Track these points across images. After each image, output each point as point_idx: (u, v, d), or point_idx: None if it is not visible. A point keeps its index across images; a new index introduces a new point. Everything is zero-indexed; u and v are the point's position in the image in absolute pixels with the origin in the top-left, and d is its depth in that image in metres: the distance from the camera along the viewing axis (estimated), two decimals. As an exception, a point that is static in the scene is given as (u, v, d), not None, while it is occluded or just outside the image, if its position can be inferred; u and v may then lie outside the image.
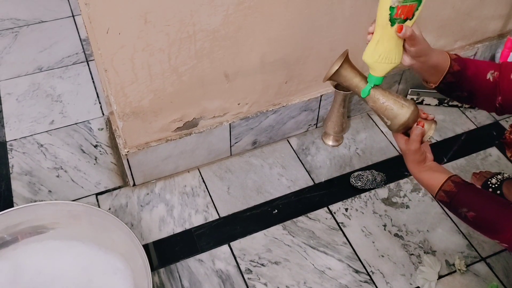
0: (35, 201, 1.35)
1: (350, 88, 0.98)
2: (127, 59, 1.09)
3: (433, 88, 0.99)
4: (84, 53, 1.83)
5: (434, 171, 0.96)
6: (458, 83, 0.96)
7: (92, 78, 1.73)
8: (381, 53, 0.89)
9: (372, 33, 0.90)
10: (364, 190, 1.40)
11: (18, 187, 1.39)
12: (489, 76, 0.95)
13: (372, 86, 0.95)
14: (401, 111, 0.93)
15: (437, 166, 0.97)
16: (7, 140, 1.52)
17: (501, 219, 0.88)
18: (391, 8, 0.83)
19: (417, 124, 0.94)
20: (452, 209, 0.94)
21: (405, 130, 0.95)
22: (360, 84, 0.96)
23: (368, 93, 0.96)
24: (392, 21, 0.85)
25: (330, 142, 1.52)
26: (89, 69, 1.77)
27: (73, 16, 1.99)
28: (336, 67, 0.95)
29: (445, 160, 1.48)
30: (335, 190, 1.40)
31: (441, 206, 1.36)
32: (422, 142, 0.95)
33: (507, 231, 0.86)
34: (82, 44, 1.87)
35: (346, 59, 0.96)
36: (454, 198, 0.92)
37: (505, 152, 1.10)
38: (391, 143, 1.53)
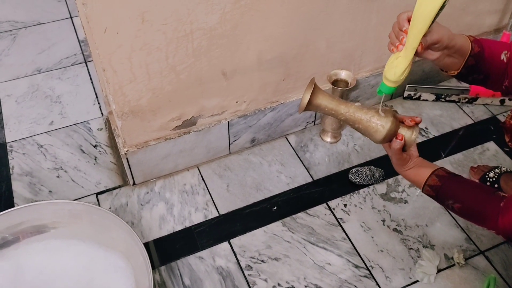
0: (36, 202, 1.35)
1: (328, 114, 0.98)
2: (125, 58, 1.10)
3: (454, 75, 0.95)
4: (83, 54, 1.84)
5: (419, 167, 0.98)
6: (478, 66, 0.94)
7: (91, 79, 1.74)
8: (407, 70, 0.89)
9: (397, 49, 0.88)
10: (362, 186, 1.41)
11: (18, 187, 1.40)
12: (503, 56, 0.94)
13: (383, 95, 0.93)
14: (380, 125, 0.93)
15: (422, 162, 0.99)
16: (7, 141, 1.53)
17: (486, 207, 0.90)
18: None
19: (396, 138, 0.94)
20: (439, 201, 0.97)
21: (389, 140, 0.95)
22: (339, 107, 0.95)
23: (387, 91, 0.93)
24: None
25: (328, 139, 1.53)
26: (88, 70, 1.78)
27: (71, 17, 2.00)
28: (306, 100, 0.94)
29: (443, 155, 1.48)
30: (334, 186, 1.41)
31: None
32: (406, 148, 0.96)
33: (492, 218, 0.88)
34: (80, 45, 1.88)
35: (315, 88, 0.95)
36: (439, 191, 0.94)
37: (504, 138, 1.10)
38: (389, 139, 1.53)
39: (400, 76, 0.89)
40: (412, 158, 0.98)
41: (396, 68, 0.88)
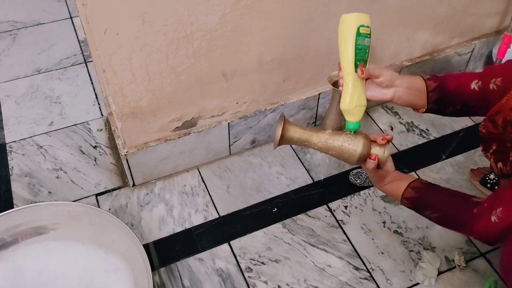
0: (35, 203, 1.35)
1: (302, 145, 1.02)
2: (125, 59, 1.09)
3: (424, 111, 1.02)
4: (83, 55, 1.83)
5: (396, 181, 1.01)
6: (445, 99, 1.01)
7: (91, 79, 1.74)
8: (356, 97, 0.94)
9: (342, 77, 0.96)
10: (363, 188, 1.40)
11: (18, 188, 1.40)
12: (473, 86, 0.99)
13: (353, 132, 0.98)
14: (352, 149, 0.96)
15: (398, 175, 1.02)
16: (6, 142, 1.53)
17: (460, 215, 0.92)
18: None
19: (369, 158, 0.97)
20: (419, 213, 0.99)
21: (364, 161, 0.99)
22: (311, 138, 0.98)
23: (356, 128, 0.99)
24: (356, 66, 0.93)
25: (329, 140, 1.52)
26: (88, 70, 1.77)
27: (71, 17, 2.00)
28: (279, 135, 0.97)
29: (444, 157, 1.48)
30: (334, 188, 1.41)
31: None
32: (380, 165, 0.99)
33: (467, 225, 0.90)
34: (80, 45, 1.87)
35: (285, 123, 0.98)
36: (417, 203, 0.97)
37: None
38: (390, 141, 1.53)
39: (350, 104, 0.95)
40: (389, 174, 1.01)
41: (342, 97, 0.95)
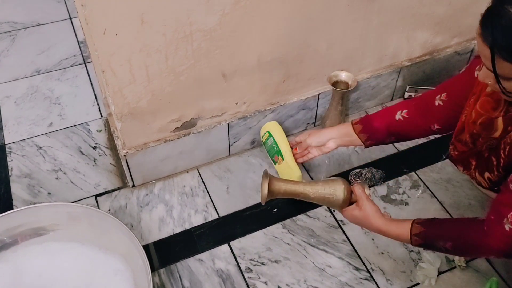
0: (35, 203, 1.35)
1: (289, 197, 1.12)
2: (125, 60, 1.09)
3: (366, 147, 1.19)
4: (82, 55, 1.83)
5: (395, 221, 1.04)
6: (375, 135, 1.15)
7: (90, 80, 1.74)
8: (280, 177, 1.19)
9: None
10: (363, 188, 1.40)
11: (17, 189, 1.39)
12: (398, 117, 1.12)
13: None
14: (335, 193, 1.07)
15: (388, 217, 1.07)
16: (6, 143, 1.53)
17: (475, 236, 0.91)
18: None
19: (352, 192, 1.09)
20: (430, 247, 0.99)
21: (348, 203, 1.09)
22: (297, 189, 1.10)
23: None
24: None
25: (329, 140, 1.52)
26: (87, 71, 1.77)
27: (70, 18, 2.00)
28: (265, 191, 1.07)
29: (444, 157, 1.48)
30: (334, 188, 1.40)
31: (441, 204, 1.36)
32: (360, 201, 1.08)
33: (486, 244, 0.88)
34: (79, 46, 1.87)
35: (270, 179, 1.09)
36: (427, 237, 0.97)
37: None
38: (390, 141, 1.53)
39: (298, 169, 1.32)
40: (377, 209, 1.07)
41: (296, 168, 1.32)
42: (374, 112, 1.21)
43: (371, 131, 1.15)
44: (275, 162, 1.38)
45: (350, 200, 1.09)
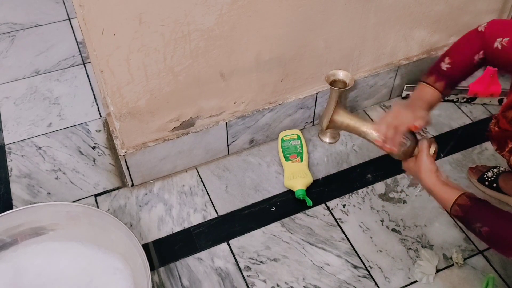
0: (34, 203, 1.35)
1: (353, 132, 1.07)
2: (123, 59, 1.10)
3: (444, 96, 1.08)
4: (81, 56, 1.84)
5: (448, 185, 0.97)
6: (456, 83, 1.05)
7: (89, 80, 1.74)
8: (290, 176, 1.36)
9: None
10: (363, 185, 1.40)
11: (17, 189, 1.40)
12: (476, 59, 1.01)
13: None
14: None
15: (451, 182, 0.99)
16: (5, 143, 1.53)
17: None
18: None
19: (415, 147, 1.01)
20: (466, 223, 0.94)
21: (410, 156, 1.02)
22: (361, 126, 1.05)
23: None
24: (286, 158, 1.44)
25: (327, 139, 1.53)
26: (86, 71, 1.78)
27: (69, 19, 2.00)
28: (329, 117, 1.06)
29: (442, 155, 1.48)
30: (333, 186, 1.41)
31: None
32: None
33: None
34: (78, 46, 1.88)
35: (337, 108, 1.06)
36: (469, 212, 0.92)
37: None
38: (388, 139, 1.53)
39: (286, 180, 1.40)
40: (441, 173, 1.00)
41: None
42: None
43: (453, 83, 1.05)
44: (288, 159, 1.42)
45: (412, 153, 1.02)
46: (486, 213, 0.91)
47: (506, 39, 0.95)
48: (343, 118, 1.06)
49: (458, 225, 1.32)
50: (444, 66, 1.04)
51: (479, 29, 1.01)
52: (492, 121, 1.06)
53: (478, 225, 0.90)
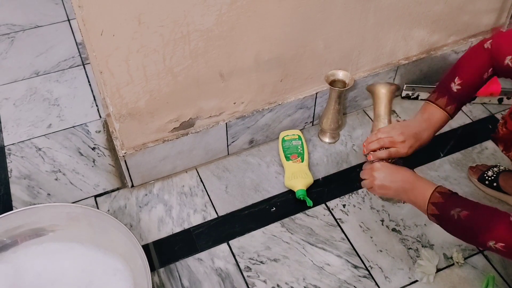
0: (34, 204, 1.35)
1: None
2: (122, 60, 1.10)
3: (452, 117, 1.09)
4: (80, 57, 1.84)
5: (425, 179, 1.02)
6: (464, 103, 1.07)
7: (89, 81, 1.74)
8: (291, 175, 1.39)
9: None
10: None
11: (17, 191, 1.40)
12: (485, 76, 1.02)
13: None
14: None
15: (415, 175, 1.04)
16: (5, 144, 1.53)
17: (494, 216, 0.88)
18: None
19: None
20: (445, 211, 0.94)
21: None
22: (378, 123, 1.16)
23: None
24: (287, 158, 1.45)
25: (327, 139, 1.53)
26: (86, 72, 1.78)
27: (68, 20, 2.00)
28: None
29: (442, 155, 1.48)
30: (333, 186, 1.41)
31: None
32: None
33: (500, 226, 0.86)
34: (78, 47, 1.88)
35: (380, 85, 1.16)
36: (448, 199, 0.94)
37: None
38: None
39: (286, 180, 1.41)
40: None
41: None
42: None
43: (462, 104, 1.07)
44: (288, 159, 1.42)
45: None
46: (466, 200, 0.94)
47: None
48: (382, 95, 1.10)
49: (458, 224, 1.31)
50: (455, 87, 1.04)
51: (485, 46, 1.00)
52: (500, 121, 1.06)
53: (458, 210, 0.91)
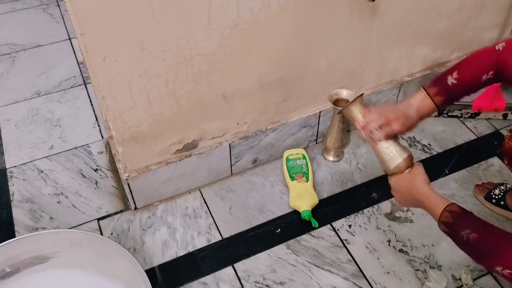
0: (37, 229, 1.34)
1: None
2: (125, 85, 1.09)
3: (437, 115, 1.05)
4: (82, 76, 1.83)
5: (438, 194, 0.99)
6: (455, 100, 1.03)
7: (91, 101, 1.73)
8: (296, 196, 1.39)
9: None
10: (369, 204, 1.39)
11: (19, 215, 1.39)
12: (484, 78, 0.99)
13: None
14: (393, 158, 1.03)
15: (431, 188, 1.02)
16: (7, 167, 1.52)
17: (503, 242, 0.86)
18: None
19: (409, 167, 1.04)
20: (455, 231, 0.93)
21: (398, 172, 1.04)
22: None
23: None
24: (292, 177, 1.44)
25: (331, 158, 1.52)
26: (87, 91, 1.77)
27: (69, 39, 2.00)
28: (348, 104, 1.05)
29: (447, 172, 1.47)
30: (338, 206, 1.40)
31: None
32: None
33: (509, 253, 0.84)
34: (79, 66, 1.87)
35: (356, 102, 1.06)
36: (458, 220, 0.93)
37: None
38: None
39: (291, 201, 1.39)
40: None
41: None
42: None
43: (452, 100, 1.04)
44: (293, 179, 1.41)
45: (403, 170, 1.04)
46: (475, 221, 0.92)
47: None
48: (356, 111, 1.06)
49: (466, 244, 1.30)
50: (450, 80, 1.02)
51: (497, 47, 0.98)
52: (507, 134, 1.04)
53: (467, 232, 0.90)
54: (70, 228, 1.34)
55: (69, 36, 2.01)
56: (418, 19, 1.39)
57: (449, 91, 1.02)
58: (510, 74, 0.96)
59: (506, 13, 1.56)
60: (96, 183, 1.47)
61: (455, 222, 0.93)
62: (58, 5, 2.19)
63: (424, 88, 1.05)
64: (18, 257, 1.17)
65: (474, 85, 1.02)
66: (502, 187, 1.35)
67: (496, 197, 1.34)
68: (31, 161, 1.53)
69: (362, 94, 1.08)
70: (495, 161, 1.50)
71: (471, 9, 1.47)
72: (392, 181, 1.05)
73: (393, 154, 1.03)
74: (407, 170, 1.04)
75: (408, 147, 1.11)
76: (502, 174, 1.46)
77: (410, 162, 1.03)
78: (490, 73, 0.98)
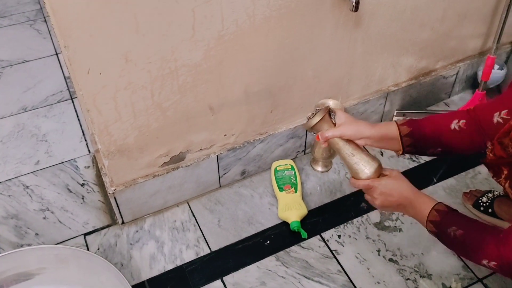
0: (22, 246, 1.32)
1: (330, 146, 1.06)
2: (110, 98, 1.08)
3: (401, 154, 1.07)
4: (69, 91, 1.82)
5: (425, 194, 1.00)
6: (421, 142, 1.04)
7: (77, 116, 1.72)
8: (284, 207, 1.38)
9: None
10: (358, 214, 1.38)
11: (4, 231, 1.36)
12: (453, 126, 1.02)
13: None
14: (362, 169, 1.02)
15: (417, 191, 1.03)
16: (-8, 183, 1.50)
17: (484, 236, 0.90)
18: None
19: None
20: (442, 229, 0.96)
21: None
22: (339, 140, 1.04)
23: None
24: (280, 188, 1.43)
25: (319, 168, 1.52)
26: (74, 106, 1.76)
27: (56, 54, 1.99)
28: (315, 121, 1.03)
29: (435, 181, 1.47)
30: (327, 216, 1.39)
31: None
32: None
33: (490, 246, 0.87)
34: (66, 81, 1.86)
35: (324, 118, 1.04)
36: (445, 218, 0.95)
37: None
38: (380, 166, 1.52)
39: (280, 212, 1.38)
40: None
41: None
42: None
43: (419, 137, 1.04)
44: (282, 190, 1.40)
45: (380, 172, 1.05)
46: (461, 218, 0.95)
47: (462, 121, 1.01)
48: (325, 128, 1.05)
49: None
50: (421, 120, 1.05)
51: (467, 109, 1.02)
52: (488, 147, 1.05)
53: (454, 228, 0.93)
54: (56, 244, 1.32)
55: (56, 51, 2.01)
56: (401, 29, 1.40)
57: (415, 125, 1.04)
58: (490, 127, 0.98)
59: (488, 23, 1.59)
60: (82, 198, 1.45)
61: (442, 220, 0.95)
62: (45, 21, 2.19)
63: (396, 123, 1.06)
64: (2, 274, 1.14)
65: (442, 132, 1.03)
66: (489, 195, 1.35)
67: (484, 204, 1.34)
68: (16, 177, 1.51)
69: (327, 107, 1.06)
70: (482, 169, 1.51)
71: (453, 19, 1.49)
72: (382, 183, 1.03)
73: (365, 160, 1.03)
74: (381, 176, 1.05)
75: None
76: (489, 181, 1.47)
77: (378, 171, 1.04)
78: (462, 122, 1.01)
